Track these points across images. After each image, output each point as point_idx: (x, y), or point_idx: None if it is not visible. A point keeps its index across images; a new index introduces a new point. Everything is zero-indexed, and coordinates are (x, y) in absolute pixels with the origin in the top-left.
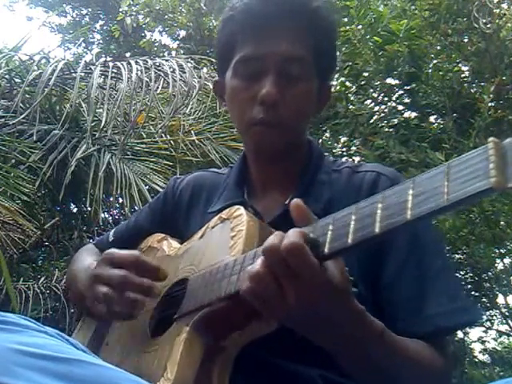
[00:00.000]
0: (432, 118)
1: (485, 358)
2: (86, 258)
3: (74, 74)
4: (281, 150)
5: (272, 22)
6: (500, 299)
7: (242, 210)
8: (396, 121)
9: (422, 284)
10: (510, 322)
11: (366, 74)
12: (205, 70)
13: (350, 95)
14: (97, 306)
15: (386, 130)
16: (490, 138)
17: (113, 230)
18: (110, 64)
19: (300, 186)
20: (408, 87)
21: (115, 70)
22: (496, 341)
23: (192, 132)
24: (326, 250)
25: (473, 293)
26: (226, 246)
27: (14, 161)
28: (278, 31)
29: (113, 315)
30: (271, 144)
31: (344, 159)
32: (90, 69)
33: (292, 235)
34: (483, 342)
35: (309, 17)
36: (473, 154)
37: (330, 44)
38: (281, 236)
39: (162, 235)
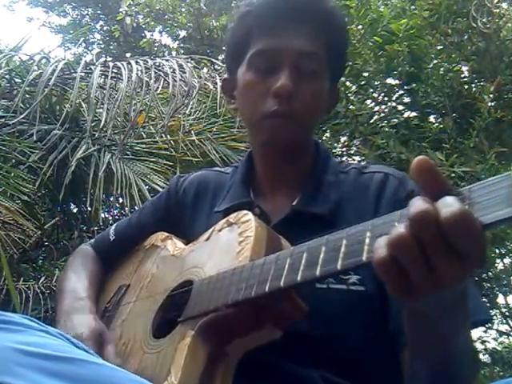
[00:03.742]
0: (432, 118)
1: (485, 358)
2: (79, 278)
3: (74, 74)
4: (292, 144)
5: (289, 19)
6: (500, 299)
7: (250, 215)
8: (396, 121)
9: None
10: (510, 321)
11: (366, 74)
12: (205, 69)
13: (350, 95)
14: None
15: (386, 129)
16: None
17: (112, 228)
18: (110, 64)
19: (307, 187)
20: (408, 87)
21: (115, 70)
22: (496, 341)
23: (192, 132)
24: (482, 221)
25: None
26: (233, 251)
27: (14, 161)
28: (294, 27)
29: None
30: (284, 136)
31: (344, 159)
32: (90, 69)
33: (454, 203)
34: (483, 342)
35: (324, 16)
36: (495, 179)
37: (341, 45)
38: (431, 202)
39: (167, 234)
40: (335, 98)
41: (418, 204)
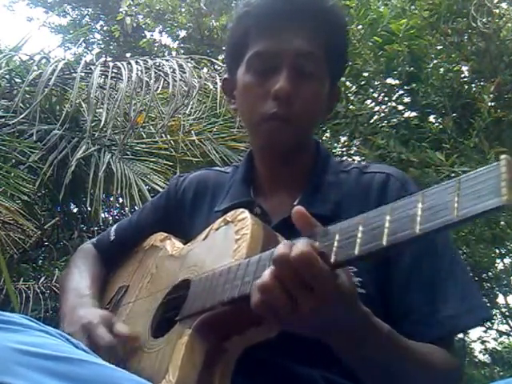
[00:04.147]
0: (432, 118)
1: (485, 357)
2: (82, 276)
3: (74, 74)
4: (291, 146)
5: (287, 19)
6: (500, 299)
7: (246, 213)
8: (396, 121)
9: (434, 285)
10: (510, 321)
11: (365, 74)
12: (205, 69)
13: (350, 95)
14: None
15: (386, 129)
16: (502, 156)
17: (113, 228)
18: (110, 64)
19: (308, 187)
20: (408, 87)
21: (115, 70)
22: (496, 341)
23: (192, 132)
24: (331, 260)
25: None
26: (229, 249)
27: (14, 161)
28: (292, 28)
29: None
30: (283, 139)
31: (344, 159)
32: (90, 69)
33: (301, 245)
34: (483, 342)
35: (323, 15)
36: (484, 170)
37: (341, 44)
38: (290, 246)
39: (165, 234)
40: (335, 97)
41: (278, 248)
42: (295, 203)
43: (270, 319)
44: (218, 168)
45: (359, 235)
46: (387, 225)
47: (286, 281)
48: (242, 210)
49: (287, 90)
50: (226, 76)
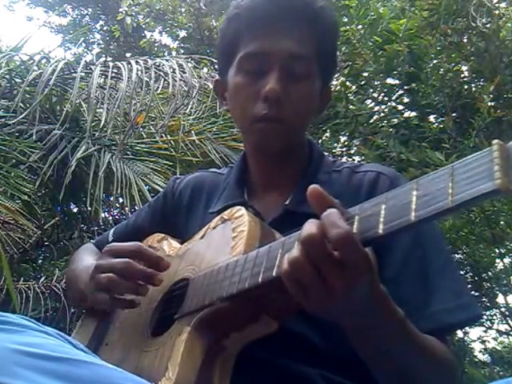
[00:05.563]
0: (432, 118)
1: (485, 357)
2: (86, 258)
3: (74, 74)
4: (283, 147)
5: (278, 20)
6: (500, 299)
7: (243, 210)
8: (396, 121)
9: (426, 280)
10: (509, 321)
11: (365, 74)
12: (205, 69)
13: (349, 95)
14: (98, 296)
15: (386, 129)
16: (495, 141)
17: (112, 230)
18: (110, 64)
19: (300, 187)
20: (408, 87)
21: (115, 70)
22: (496, 340)
23: (192, 132)
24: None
25: (473, 292)
26: (227, 246)
27: (14, 161)
28: (283, 29)
29: (115, 303)
30: (274, 141)
31: (344, 159)
32: (90, 69)
33: (339, 222)
34: (483, 342)
35: (313, 17)
36: (477, 156)
37: (332, 45)
38: (319, 224)
39: (162, 235)
40: (327, 98)
41: (306, 228)
42: (286, 202)
43: (297, 295)
44: (214, 170)
45: (355, 225)
46: (382, 213)
47: (316, 259)
48: (238, 207)
49: (277, 91)
50: (217, 77)
